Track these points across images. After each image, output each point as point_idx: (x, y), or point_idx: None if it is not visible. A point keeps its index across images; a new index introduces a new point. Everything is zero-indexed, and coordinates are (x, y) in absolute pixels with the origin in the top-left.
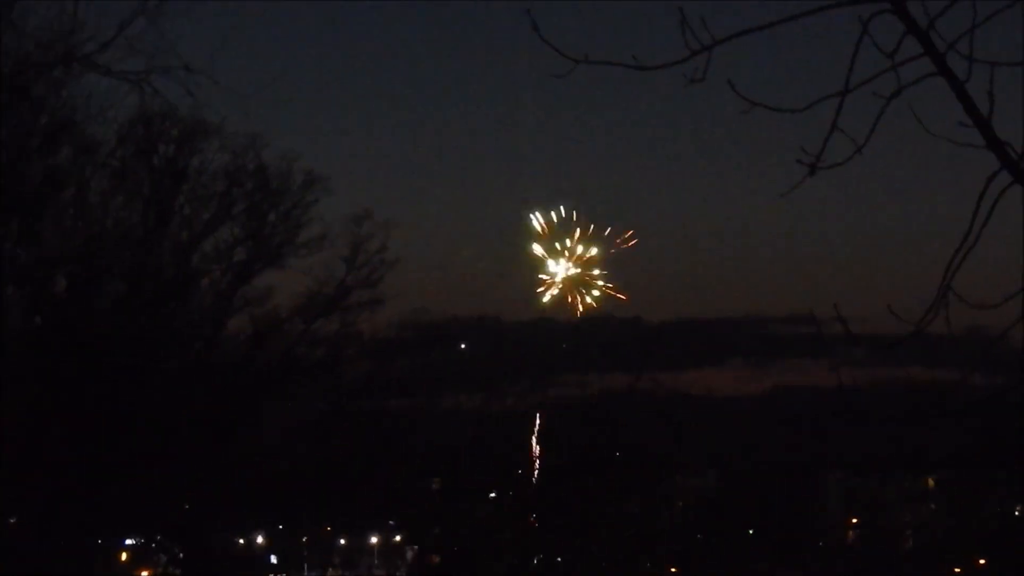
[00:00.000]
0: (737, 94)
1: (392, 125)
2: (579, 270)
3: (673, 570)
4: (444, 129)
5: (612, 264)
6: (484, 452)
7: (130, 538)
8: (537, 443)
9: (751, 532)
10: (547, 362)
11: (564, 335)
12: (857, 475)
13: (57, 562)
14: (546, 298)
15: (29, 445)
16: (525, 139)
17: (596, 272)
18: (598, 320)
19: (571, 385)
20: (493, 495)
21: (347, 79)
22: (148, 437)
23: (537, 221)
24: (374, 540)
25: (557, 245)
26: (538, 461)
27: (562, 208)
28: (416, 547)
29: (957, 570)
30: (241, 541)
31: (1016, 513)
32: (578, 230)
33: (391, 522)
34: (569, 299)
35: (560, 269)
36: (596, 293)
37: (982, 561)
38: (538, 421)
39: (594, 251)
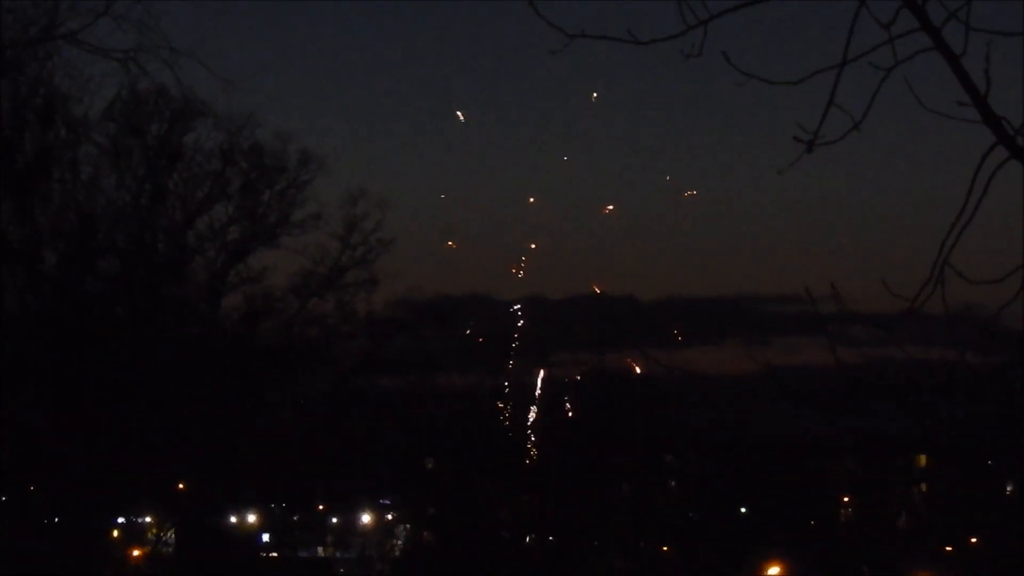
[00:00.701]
0: (732, 66)
1: (388, 105)
2: None
3: (665, 549)
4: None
5: (606, 243)
6: (479, 431)
7: (121, 517)
8: (532, 422)
9: (744, 511)
10: (541, 341)
11: (557, 313)
12: (852, 454)
13: (51, 541)
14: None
15: (24, 425)
16: (521, 116)
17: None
18: (592, 299)
19: (566, 364)
20: (488, 474)
21: (342, 60)
22: (142, 416)
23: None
24: (367, 519)
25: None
26: (533, 440)
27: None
28: (409, 526)
29: (949, 549)
30: (233, 520)
31: (1008, 492)
32: None
33: (384, 501)
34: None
35: None
36: None
37: (974, 540)
38: (533, 400)
39: None
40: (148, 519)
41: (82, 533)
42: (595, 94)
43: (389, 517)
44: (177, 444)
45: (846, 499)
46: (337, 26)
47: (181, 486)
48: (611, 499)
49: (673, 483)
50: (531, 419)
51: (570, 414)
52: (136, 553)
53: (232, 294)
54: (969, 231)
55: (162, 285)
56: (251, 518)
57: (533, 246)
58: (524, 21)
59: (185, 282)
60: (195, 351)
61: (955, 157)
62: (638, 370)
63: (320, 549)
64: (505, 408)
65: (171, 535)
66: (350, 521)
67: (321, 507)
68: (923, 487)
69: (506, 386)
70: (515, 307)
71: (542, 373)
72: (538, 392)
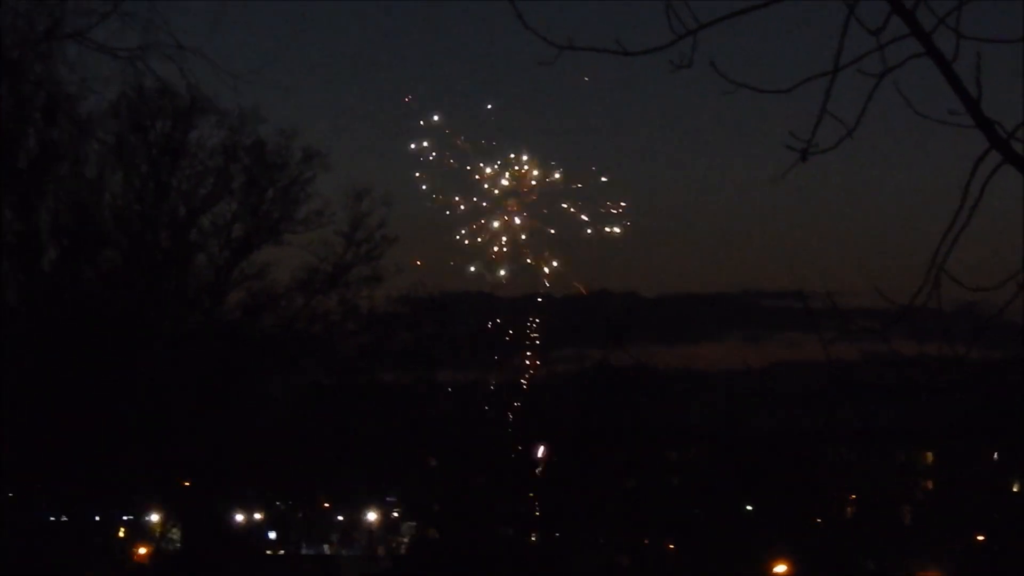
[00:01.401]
0: (721, 76)
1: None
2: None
3: (671, 546)
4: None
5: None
6: (482, 426)
7: (128, 514)
8: (534, 418)
9: (749, 508)
10: (543, 336)
11: (558, 309)
12: (855, 450)
13: (55, 539)
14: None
15: (27, 422)
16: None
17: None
18: (593, 295)
19: (567, 360)
20: (491, 470)
21: (346, 55)
22: (145, 412)
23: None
24: (372, 516)
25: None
26: (536, 436)
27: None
28: (414, 523)
29: (955, 546)
30: (239, 517)
31: (1014, 489)
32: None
33: (389, 498)
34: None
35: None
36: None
37: (980, 537)
38: (535, 396)
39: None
40: (154, 517)
41: (87, 531)
42: (586, 78)
43: (394, 514)
44: (181, 440)
45: (852, 496)
46: (341, 21)
47: (186, 483)
48: (614, 495)
49: (676, 479)
50: (532, 415)
51: (572, 410)
52: (142, 551)
53: (236, 291)
54: (965, 234)
55: (165, 281)
56: (256, 515)
57: (524, 236)
58: (517, 33)
59: (188, 278)
60: (197, 347)
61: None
62: (641, 366)
63: (326, 546)
64: (507, 404)
65: (176, 532)
66: (355, 518)
67: (326, 504)
68: (929, 484)
69: (509, 382)
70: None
71: (544, 367)
72: (539, 387)
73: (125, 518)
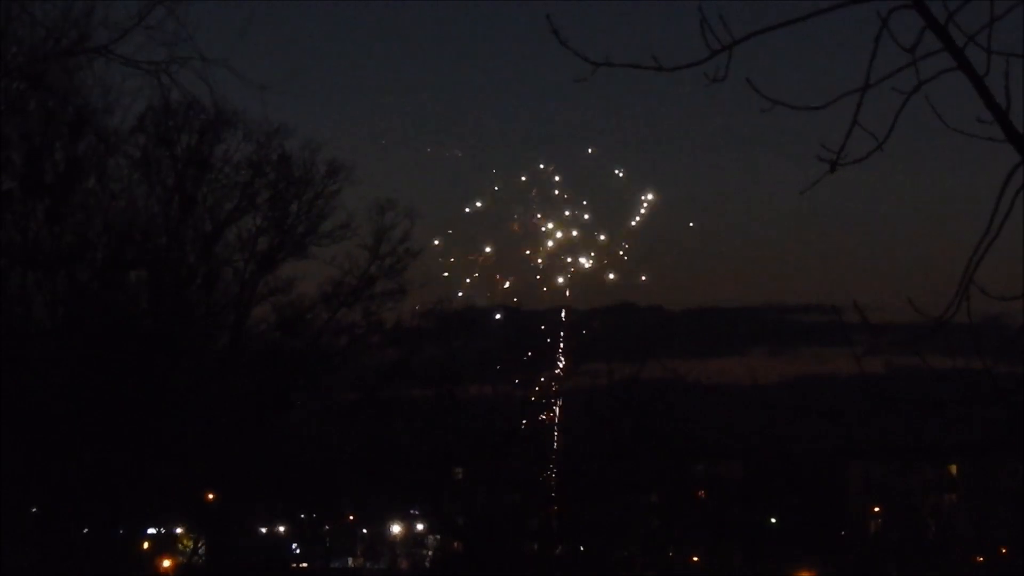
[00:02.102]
0: (757, 92)
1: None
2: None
3: (695, 559)
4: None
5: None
6: (508, 440)
7: (152, 527)
8: (561, 432)
9: (774, 521)
10: (569, 350)
11: (585, 323)
12: (880, 464)
13: (81, 552)
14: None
15: (54, 435)
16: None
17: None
18: (619, 308)
19: (594, 374)
20: (517, 484)
21: (371, 68)
22: (172, 426)
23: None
24: (396, 530)
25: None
26: (563, 450)
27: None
28: (439, 536)
29: (980, 559)
30: (264, 530)
31: None
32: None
33: (413, 512)
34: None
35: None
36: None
37: (1004, 550)
38: (562, 409)
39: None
40: (179, 529)
41: (112, 544)
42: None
43: (419, 527)
44: (206, 454)
45: (876, 509)
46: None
47: (211, 496)
48: (640, 509)
49: (702, 492)
50: (559, 428)
51: (599, 423)
52: (166, 564)
53: (261, 305)
54: (994, 246)
55: (191, 296)
56: (281, 529)
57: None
58: (553, 49)
59: (214, 293)
60: (223, 361)
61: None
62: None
63: (350, 560)
64: (533, 417)
65: (202, 546)
66: (380, 532)
67: (351, 517)
68: (953, 496)
69: (535, 397)
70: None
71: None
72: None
73: (150, 531)
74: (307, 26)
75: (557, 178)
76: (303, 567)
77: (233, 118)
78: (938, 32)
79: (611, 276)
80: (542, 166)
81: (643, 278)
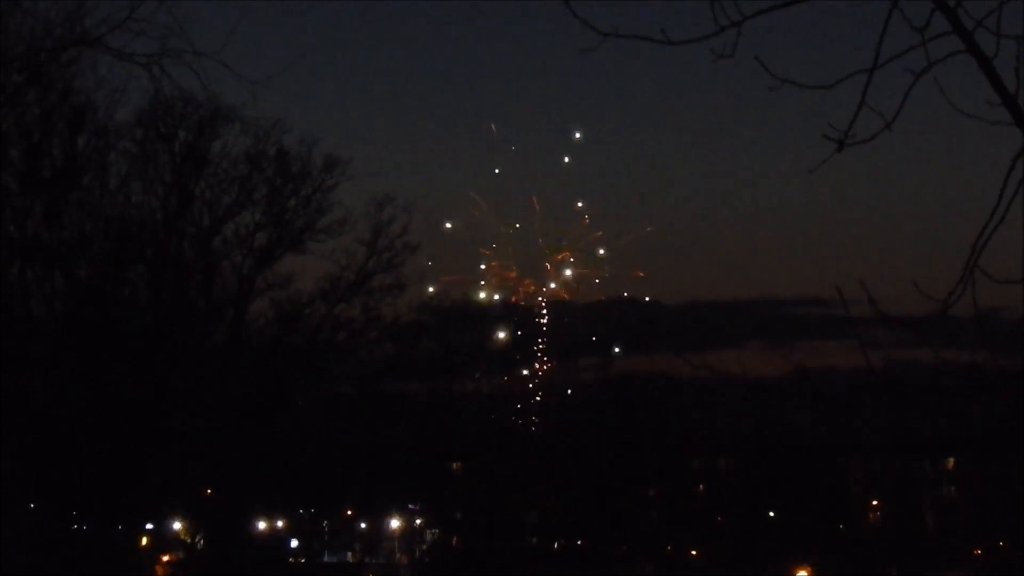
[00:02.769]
0: (766, 71)
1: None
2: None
3: (694, 553)
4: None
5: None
6: (506, 435)
7: (152, 524)
8: (559, 425)
9: (772, 515)
10: (567, 345)
11: (582, 318)
12: (879, 457)
13: (80, 547)
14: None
15: (53, 431)
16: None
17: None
18: (616, 303)
19: (592, 368)
20: (514, 478)
21: (368, 62)
22: (170, 421)
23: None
24: (395, 524)
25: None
26: (560, 444)
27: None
28: (437, 531)
29: (978, 552)
30: (262, 526)
31: None
32: None
33: (411, 506)
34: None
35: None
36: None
37: (1003, 544)
38: (559, 403)
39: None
40: (177, 525)
41: (112, 540)
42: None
43: (417, 522)
44: (205, 450)
45: (875, 502)
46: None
47: (209, 492)
48: (638, 503)
49: (700, 487)
50: (557, 422)
51: (597, 418)
52: (166, 559)
53: (259, 299)
54: (1000, 232)
55: (190, 291)
56: (279, 524)
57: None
58: (554, 22)
59: (213, 287)
60: (223, 357)
61: (986, 159)
62: (665, 374)
63: (348, 555)
64: (531, 412)
65: (201, 541)
66: (378, 526)
67: (349, 512)
68: (952, 489)
69: (532, 390)
70: (540, 311)
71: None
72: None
73: (148, 527)
74: (302, 20)
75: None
76: (301, 562)
77: (230, 113)
78: (948, 14)
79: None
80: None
81: (640, 274)
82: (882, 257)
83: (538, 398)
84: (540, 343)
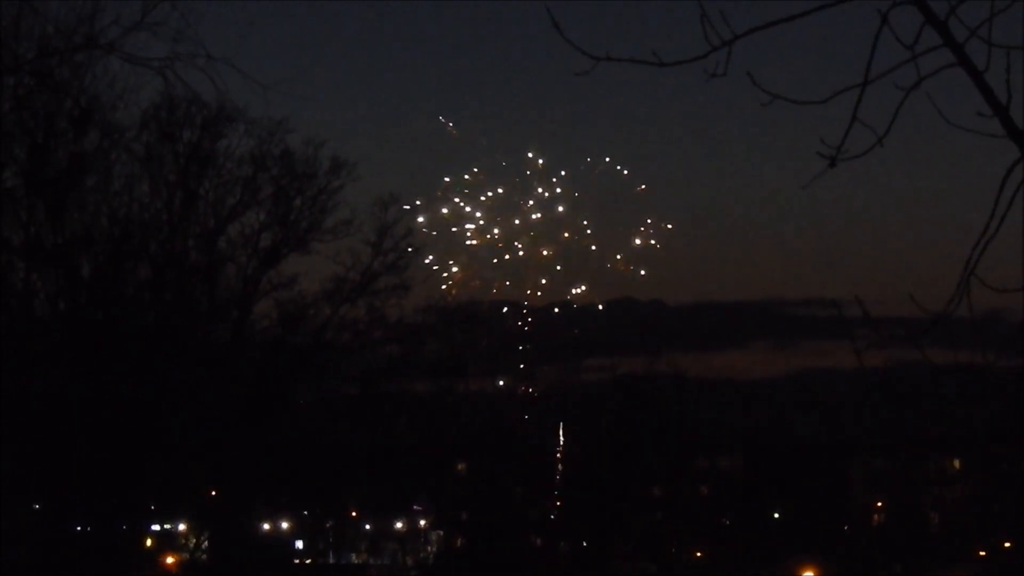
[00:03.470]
0: (757, 87)
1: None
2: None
3: (699, 554)
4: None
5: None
6: (510, 435)
7: (155, 524)
8: (563, 426)
9: (776, 516)
10: (571, 346)
11: (586, 319)
12: (882, 457)
13: (84, 548)
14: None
15: (56, 431)
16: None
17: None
18: (620, 304)
19: (596, 369)
20: (520, 478)
21: (375, 64)
22: (174, 421)
23: None
24: (399, 525)
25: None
26: (565, 444)
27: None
28: (442, 532)
29: (982, 553)
30: (267, 527)
31: None
32: None
33: (416, 507)
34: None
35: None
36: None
37: (1007, 544)
38: (564, 404)
39: None
40: (181, 526)
41: (114, 541)
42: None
43: (422, 523)
44: (209, 450)
45: (879, 504)
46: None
47: (213, 492)
48: (641, 503)
49: (704, 487)
50: (561, 423)
51: (601, 419)
52: (170, 560)
53: (264, 300)
54: (996, 243)
55: (194, 291)
56: (284, 525)
57: (546, 253)
58: (553, 43)
59: (217, 288)
60: (226, 357)
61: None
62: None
63: (353, 555)
64: (535, 412)
65: (205, 541)
66: (383, 527)
67: (354, 513)
68: (955, 490)
69: (536, 391)
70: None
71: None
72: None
73: (153, 528)
74: (312, 23)
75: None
76: (307, 563)
77: (235, 114)
78: (938, 28)
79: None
80: (541, 161)
81: (642, 272)
82: (886, 262)
83: (541, 399)
84: (544, 344)
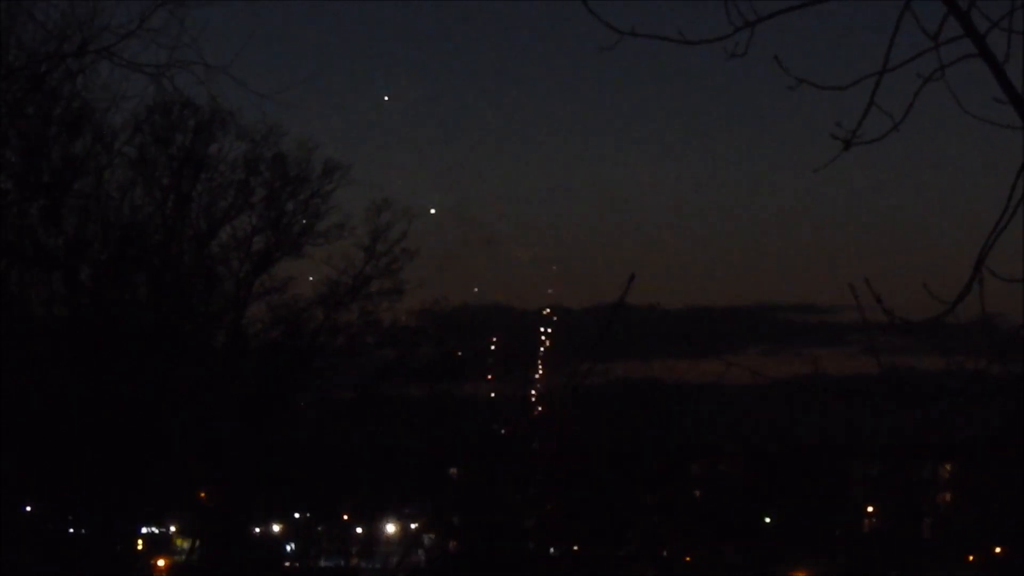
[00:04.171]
0: (783, 71)
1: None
2: None
3: (687, 559)
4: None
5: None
6: (505, 440)
7: (148, 527)
8: (557, 431)
9: (769, 521)
10: (564, 351)
11: (580, 324)
12: (876, 463)
13: (76, 550)
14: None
15: (50, 434)
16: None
17: None
18: (614, 307)
19: (590, 374)
20: (513, 482)
21: (369, 68)
22: (167, 425)
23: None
24: (391, 529)
25: None
26: (559, 450)
27: None
28: (434, 535)
29: (972, 558)
30: (258, 530)
31: None
32: None
33: (408, 510)
34: None
35: None
36: None
37: (998, 550)
38: (558, 409)
39: None
40: (172, 529)
41: (111, 541)
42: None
43: (414, 526)
44: (201, 454)
45: (870, 509)
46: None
47: (203, 495)
48: (638, 507)
49: (698, 492)
50: (555, 428)
51: (595, 423)
52: (161, 563)
53: (256, 304)
54: (1009, 234)
55: (188, 295)
56: (275, 528)
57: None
58: (560, 26)
59: (211, 291)
60: (220, 361)
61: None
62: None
63: (342, 560)
64: (528, 416)
65: (198, 545)
66: (375, 531)
67: (346, 517)
68: (948, 496)
69: (531, 395)
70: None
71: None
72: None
73: (144, 530)
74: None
75: None
76: (296, 566)
77: (228, 117)
78: (959, 18)
79: None
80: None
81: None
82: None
83: (537, 402)
84: (539, 348)
